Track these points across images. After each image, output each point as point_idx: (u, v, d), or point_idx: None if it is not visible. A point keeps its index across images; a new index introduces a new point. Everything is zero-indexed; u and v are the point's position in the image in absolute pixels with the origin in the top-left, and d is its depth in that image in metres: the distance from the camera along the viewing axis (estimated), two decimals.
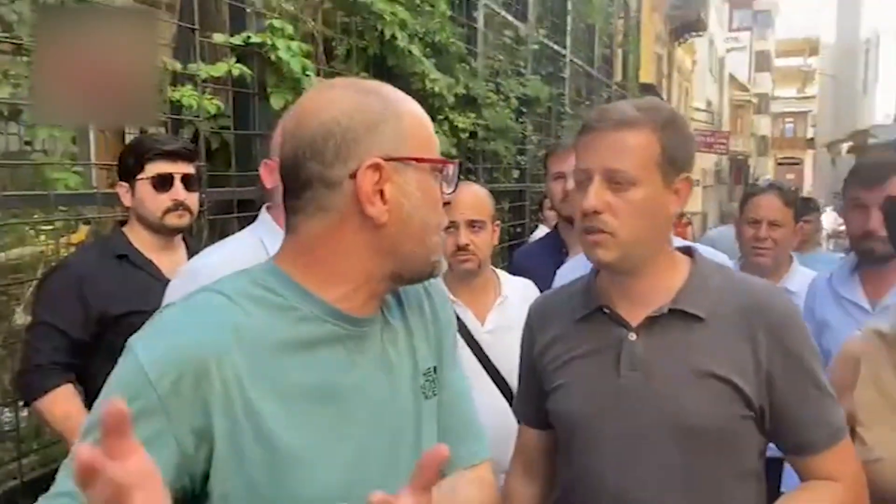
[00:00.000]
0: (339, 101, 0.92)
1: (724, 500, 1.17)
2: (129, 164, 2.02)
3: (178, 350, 0.85)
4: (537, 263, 2.45)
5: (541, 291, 2.22)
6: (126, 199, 2.02)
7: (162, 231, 2.04)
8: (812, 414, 1.17)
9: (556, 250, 2.51)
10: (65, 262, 1.98)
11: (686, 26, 19.28)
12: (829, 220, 18.36)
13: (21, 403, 2.05)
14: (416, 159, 0.93)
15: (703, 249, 1.72)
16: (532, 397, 1.38)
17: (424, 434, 1.01)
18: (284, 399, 0.88)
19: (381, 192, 0.90)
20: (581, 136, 1.23)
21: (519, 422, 1.50)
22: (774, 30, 45.56)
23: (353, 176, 0.89)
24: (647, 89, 11.44)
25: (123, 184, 2.02)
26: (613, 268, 1.21)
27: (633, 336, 1.21)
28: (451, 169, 0.99)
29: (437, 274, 1.02)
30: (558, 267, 2.32)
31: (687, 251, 1.29)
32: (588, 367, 1.25)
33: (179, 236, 2.10)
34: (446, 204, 1.00)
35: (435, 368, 1.07)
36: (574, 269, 2.12)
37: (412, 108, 0.97)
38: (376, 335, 1.00)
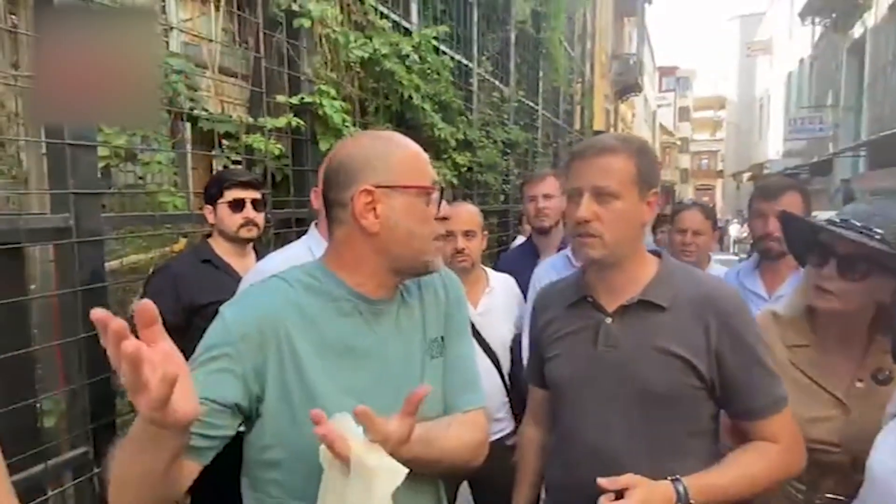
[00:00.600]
0: (351, 146, 0.99)
1: (680, 453, 1.11)
2: (212, 191, 2.00)
3: (250, 314, 0.92)
4: (517, 265, 2.43)
5: (519, 285, 2.20)
6: (210, 218, 2.00)
7: (237, 241, 2.02)
8: (755, 386, 1.11)
9: (531, 255, 2.47)
10: (165, 265, 1.96)
11: (627, 88, 19.18)
12: (735, 230, 18.24)
13: None
14: (402, 186, 0.96)
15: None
16: (537, 364, 1.32)
17: (426, 384, 0.98)
18: (319, 352, 0.93)
19: (375, 209, 0.94)
20: (572, 162, 1.18)
21: (528, 383, 1.43)
22: (692, 90, 45.49)
23: (353, 198, 0.94)
24: (599, 135, 11.35)
25: (208, 206, 2.00)
26: (599, 263, 1.16)
27: (609, 320, 1.16)
28: (435, 194, 1.00)
29: (432, 269, 1.02)
30: (533, 267, 2.31)
31: (656, 253, 1.24)
32: (574, 343, 1.20)
33: (250, 245, 2.08)
34: (444, 219, 1.01)
35: (442, 338, 1.07)
36: (546, 268, 2.10)
37: (406, 148, 1.00)
38: (392, 311, 1.02)
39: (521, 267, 2.34)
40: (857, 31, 12.66)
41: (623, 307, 1.15)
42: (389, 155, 0.97)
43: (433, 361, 1.05)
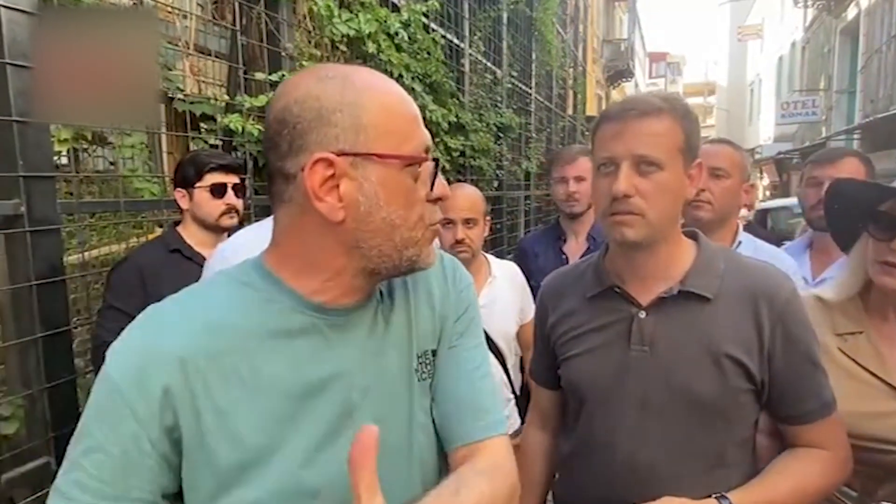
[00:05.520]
0: (294, 90, 0.65)
1: (723, 465, 0.97)
2: (188, 174, 1.82)
3: (143, 358, 0.63)
4: (538, 246, 2.32)
5: (538, 269, 2.06)
6: (183, 203, 1.82)
7: (216, 230, 1.85)
8: (806, 388, 0.97)
9: (555, 238, 2.32)
10: (128, 256, 1.78)
11: (618, 74, 19.06)
12: None
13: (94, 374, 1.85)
14: (378, 155, 0.65)
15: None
16: (545, 363, 1.16)
17: (417, 414, 0.76)
18: (257, 394, 0.65)
19: (338, 188, 0.64)
20: (605, 126, 0.98)
21: (535, 382, 1.27)
22: (682, 76, 45.44)
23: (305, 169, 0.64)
24: (591, 120, 11.20)
25: (181, 190, 1.82)
26: (637, 245, 0.97)
27: (642, 314, 0.99)
28: (427, 166, 0.69)
29: (420, 267, 0.72)
30: (556, 251, 2.24)
31: (692, 235, 1.06)
32: (599, 341, 1.03)
33: (226, 234, 1.91)
34: (438, 200, 0.72)
35: (433, 352, 0.79)
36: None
37: (383, 96, 0.66)
38: (363, 322, 0.72)
39: (542, 249, 2.20)
40: (850, 12, 12.56)
41: (660, 299, 0.98)
42: (361, 105, 0.64)
43: (421, 384, 0.77)
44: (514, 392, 1.94)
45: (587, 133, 10.72)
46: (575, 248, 2.25)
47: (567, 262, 2.20)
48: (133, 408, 0.61)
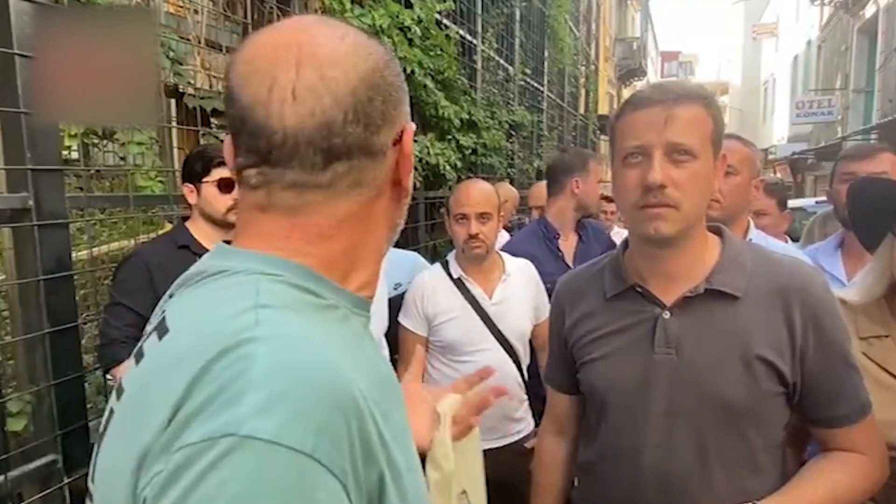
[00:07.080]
0: (369, 47, 0.53)
1: (754, 471, 0.92)
2: (196, 169, 1.79)
3: (325, 393, 0.42)
4: (529, 247, 2.23)
5: (540, 272, 2.01)
6: (191, 198, 1.79)
7: (225, 226, 1.81)
8: (841, 390, 0.91)
9: (550, 237, 2.26)
10: (135, 251, 1.74)
11: (630, 73, 18.95)
12: None
13: (101, 371, 1.82)
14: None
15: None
16: (562, 367, 1.11)
17: None
18: (391, 421, 0.49)
19: None
20: (634, 114, 0.91)
21: (548, 386, 1.22)
22: (695, 75, 45.06)
23: (396, 142, 0.55)
24: (603, 119, 11.11)
25: (189, 185, 1.79)
26: (668, 241, 0.92)
27: (667, 314, 0.93)
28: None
29: None
30: (550, 250, 2.17)
31: (716, 230, 1.01)
32: (621, 344, 0.97)
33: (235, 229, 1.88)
34: None
35: None
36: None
37: None
38: None
39: (537, 251, 2.15)
40: (868, 10, 12.37)
41: (685, 299, 0.93)
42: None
43: None
44: (527, 393, 1.89)
45: (599, 132, 10.63)
46: (568, 244, 2.22)
47: (564, 260, 2.15)
48: (348, 480, 0.41)
